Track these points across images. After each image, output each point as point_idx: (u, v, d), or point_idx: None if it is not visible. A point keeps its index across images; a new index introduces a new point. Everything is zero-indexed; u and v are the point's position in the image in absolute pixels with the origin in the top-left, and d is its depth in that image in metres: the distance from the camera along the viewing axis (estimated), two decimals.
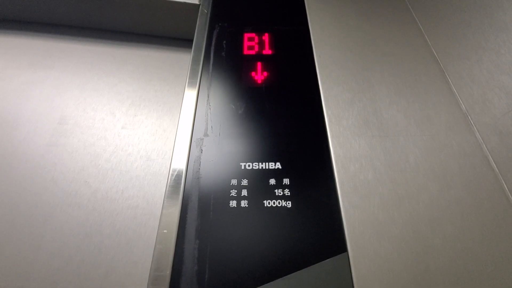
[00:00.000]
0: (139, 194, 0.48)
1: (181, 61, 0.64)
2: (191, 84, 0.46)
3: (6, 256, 0.43)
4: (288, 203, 0.34)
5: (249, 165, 0.37)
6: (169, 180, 0.35)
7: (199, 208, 0.33)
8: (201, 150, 0.38)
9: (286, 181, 0.35)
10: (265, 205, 0.34)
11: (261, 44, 0.51)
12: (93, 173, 0.49)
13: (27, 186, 0.49)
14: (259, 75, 0.47)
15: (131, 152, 0.52)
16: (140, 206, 0.47)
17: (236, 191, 0.34)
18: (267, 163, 0.37)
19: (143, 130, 0.55)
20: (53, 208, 0.47)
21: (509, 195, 0.36)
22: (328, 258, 0.30)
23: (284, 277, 0.28)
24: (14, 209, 0.47)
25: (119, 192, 0.48)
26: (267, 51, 0.50)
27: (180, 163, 0.37)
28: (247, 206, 0.33)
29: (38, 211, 0.47)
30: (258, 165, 0.37)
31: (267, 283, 0.28)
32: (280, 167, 0.36)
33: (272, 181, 0.35)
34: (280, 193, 0.34)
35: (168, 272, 0.29)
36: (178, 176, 0.35)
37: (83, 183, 0.48)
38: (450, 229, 0.33)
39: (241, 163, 0.37)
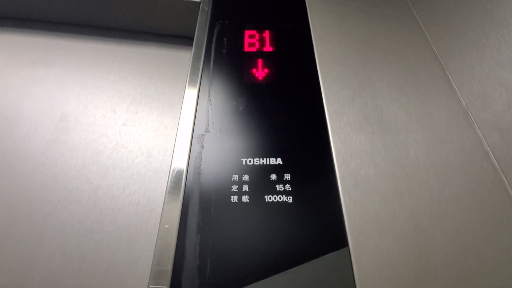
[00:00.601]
0: (140, 191, 0.48)
1: (181, 58, 0.64)
2: (192, 81, 0.46)
3: (7, 253, 0.43)
4: (289, 198, 0.34)
5: (250, 161, 0.37)
6: (170, 175, 0.35)
7: (201, 203, 0.33)
8: (202, 146, 0.38)
9: (287, 176, 0.35)
10: (266, 200, 0.34)
11: (261, 41, 0.51)
12: (94, 170, 0.49)
13: (28, 183, 0.49)
14: (260, 72, 0.47)
15: (132, 149, 0.52)
16: (141, 203, 0.47)
17: (237, 186, 0.34)
18: (268, 159, 0.37)
19: (144, 127, 0.55)
20: (54, 205, 0.47)
21: (510, 190, 0.36)
22: (329, 253, 0.30)
23: (286, 271, 0.29)
24: (15, 206, 0.47)
25: (120, 189, 0.48)
26: (268, 48, 0.50)
27: (181, 159, 0.37)
28: (248, 201, 0.33)
29: (39, 208, 0.47)
30: (259, 160, 0.37)
31: (268, 277, 0.28)
32: (281, 163, 0.36)
33: (273, 177, 0.35)
34: (281, 188, 0.34)
35: (169, 267, 0.29)
36: (179, 172, 0.35)
37: (84, 180, 0.49)
38: (451, 224, 0.33)
39: (242, 159, 0.37)
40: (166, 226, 0.31)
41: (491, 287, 0.29)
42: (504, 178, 0.37)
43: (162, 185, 0.48)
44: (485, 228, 0.33)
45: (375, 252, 0.30)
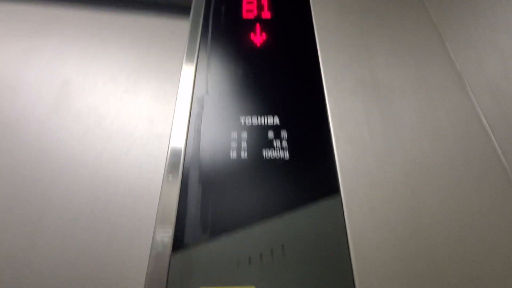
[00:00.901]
0: (143, 154, 0.49)
1: (180, 28, 0.64)
2: (191, 48, 0.46)
3: (12, 221, 0.45)
4: (286, 154, 0.35)
5: (248, 119, 0.38)
6: (172, 133, 0.37)
7: (201, 158, 0.35)
8: (202, 107, 0.39)
9: (284, 134, 0.37)
10: (264, 156, 0.35)
11: (259, 7, 0.51)
12: (97, 135, 0.51)
13: (32, 150, 0.50)
14: (258, 38, 0.47)
15: (134, 115, 0.53)
16: (144, 165, 0.48)
17: (236, 143, 0.36)
18: (265, 117, 0.38)
19: (144, 95, 0.56)
20: (59, 169, 0.49)
21: (498, 149, 0.38)
22: (322, 198, 0.32)
23: (281, 214, 0.31)
24: (19, 174, 0.48)
25: (123, 154, 0.49)
26: (266, 14, 0.50)
27: (182, 118, 0.38)
28: (246, 157, 0.35)
29: (44, 174, 0.48)
30: (257, 119, 0.38)
31: (265, 219, 0.30)
32: (278, 122, 0.38)
33: (271, 134, 0.37)
34: (278, 145, 0.36)
35: (173, 214, 0.31)
36: (181, 130, 0.37)
37: (88, 145, 0.50)
38: (440, 180, 0.35)
39: (240, 117, 0.38)
40: (170, 178, 0.33)
41: (477, 238, 0.32)
42: (493, 137, 0.39)
43: (164, 148, 0.50)
44: (475, 184, 0.35)
45: (365, 200, 0.32)
